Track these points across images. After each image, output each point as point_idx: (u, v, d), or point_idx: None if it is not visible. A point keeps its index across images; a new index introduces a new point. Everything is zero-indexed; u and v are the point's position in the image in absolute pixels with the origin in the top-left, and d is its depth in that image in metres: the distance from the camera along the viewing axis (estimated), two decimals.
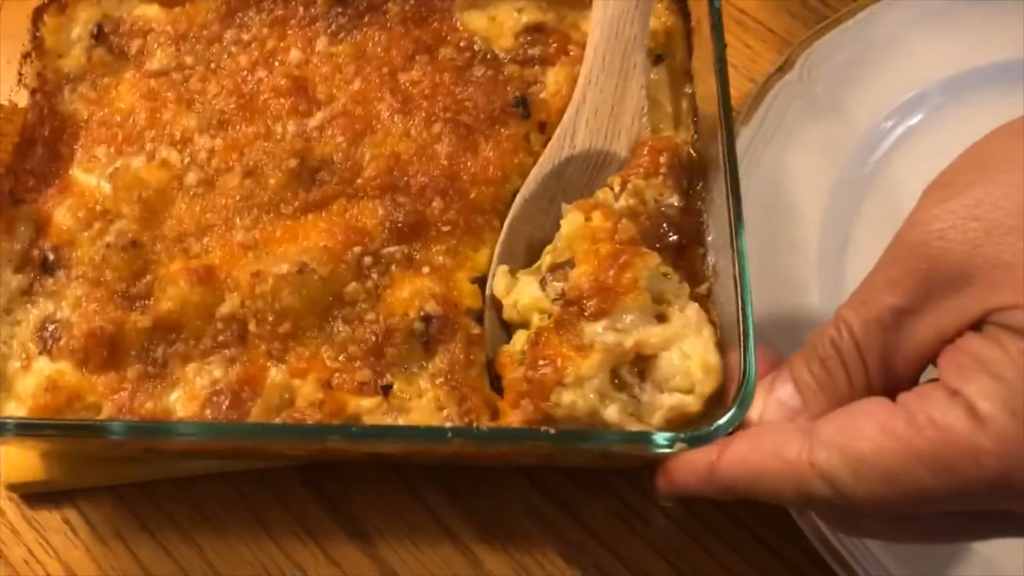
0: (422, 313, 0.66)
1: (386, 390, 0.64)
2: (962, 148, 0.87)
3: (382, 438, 0.59)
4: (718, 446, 0.58)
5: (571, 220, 0.67)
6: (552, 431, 0.59)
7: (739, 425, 0.58)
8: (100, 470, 0.76)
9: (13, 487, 0.76)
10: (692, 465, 0.59)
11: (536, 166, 0.72)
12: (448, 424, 0.63)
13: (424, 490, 0.78)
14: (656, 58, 0.76)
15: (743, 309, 0.60)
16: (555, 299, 0.66)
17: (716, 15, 0.70)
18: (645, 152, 0.70)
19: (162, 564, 0.75)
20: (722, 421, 0.58)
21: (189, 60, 0.76)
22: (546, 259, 0.68)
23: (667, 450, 0.59)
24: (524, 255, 0.71)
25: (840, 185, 0.84)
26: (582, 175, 0.72)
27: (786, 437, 0.56)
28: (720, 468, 0.58)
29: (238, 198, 0.71)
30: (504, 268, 0.69)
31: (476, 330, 0.67)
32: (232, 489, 0.77)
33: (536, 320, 0.67)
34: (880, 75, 0.87)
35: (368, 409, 0.64)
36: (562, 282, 0.66)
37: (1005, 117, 0.88)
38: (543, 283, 0.67)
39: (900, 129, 0.87)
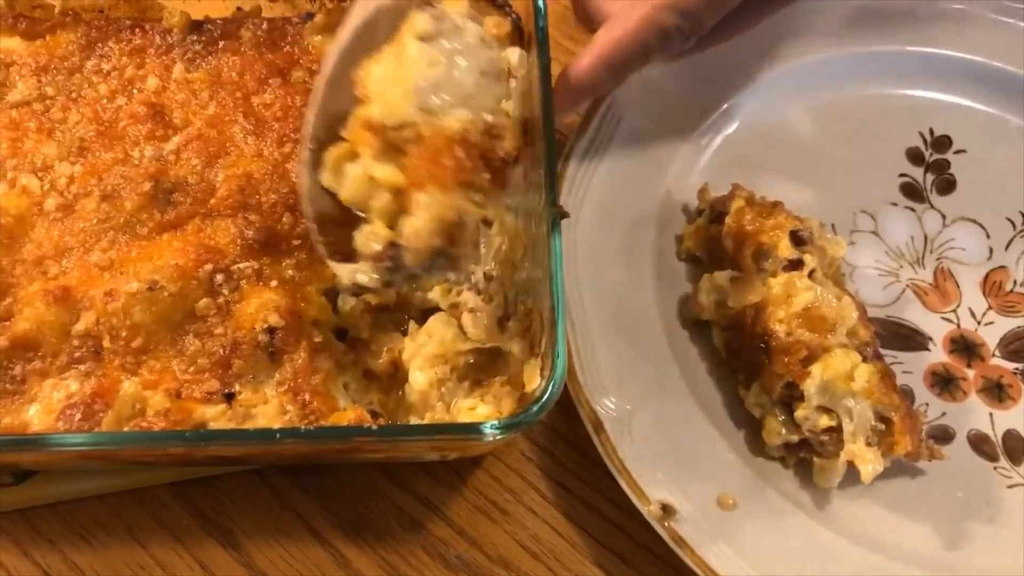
0: (266, 325, 0.70)
1: (229, 398, 0.68)
2: (771, 153, 0.91)
3: (215, 441, 0.63)
4: (586, 51, 0.73)
5: None
6: (375, 427, 0.63)
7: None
8: None
9: None
10: (583, 69, 0.72)
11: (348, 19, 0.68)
12: (283, 427, 0.66)
13: (293, 497, 0.81)
14: None
15: (556, 304, 0.64)
16: None
17: (542, 33, 0.74)
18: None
19: None
20: (534, 409, 0.61)
21: (50, 91, 0.79)
22: None
23: (494, 438, 0.62)
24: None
25: (673, 189, 0.89)
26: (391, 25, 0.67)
27: (626, 8, 0.72)
28: (604, 54, 0.72)
29: (95, 221, 0.74)
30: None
31: (319, 338, 0.71)
32: (109, 510, 0.80)
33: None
34: (703, 83, 0.91)
35: (213, 416, 0.68)
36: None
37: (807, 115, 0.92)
38: None
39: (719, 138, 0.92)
